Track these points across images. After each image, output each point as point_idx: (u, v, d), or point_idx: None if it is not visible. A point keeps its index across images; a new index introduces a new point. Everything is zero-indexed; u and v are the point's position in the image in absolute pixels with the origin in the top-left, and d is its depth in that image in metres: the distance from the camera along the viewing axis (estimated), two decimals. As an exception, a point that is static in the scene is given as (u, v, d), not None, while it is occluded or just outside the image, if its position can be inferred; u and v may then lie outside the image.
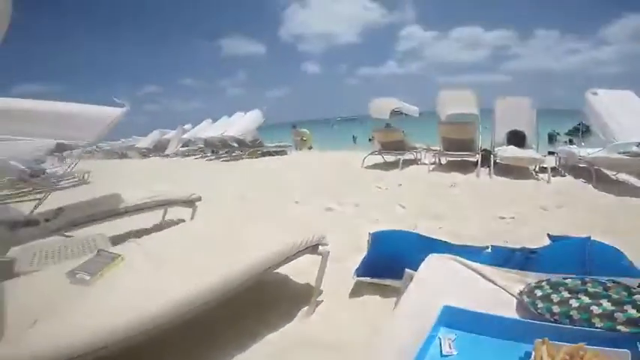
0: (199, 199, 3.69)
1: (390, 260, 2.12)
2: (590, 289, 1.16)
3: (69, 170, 8.64)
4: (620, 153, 4.81)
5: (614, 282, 1.19)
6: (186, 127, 16.27)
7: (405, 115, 8.46)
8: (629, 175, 5.13)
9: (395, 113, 8.63)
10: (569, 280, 1.26)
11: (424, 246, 2.21)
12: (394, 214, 3.84)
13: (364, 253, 2.37)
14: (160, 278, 1.65)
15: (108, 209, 3.23)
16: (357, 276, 2.22)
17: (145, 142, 18.34)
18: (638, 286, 1.17)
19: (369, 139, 13.88)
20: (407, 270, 1.69)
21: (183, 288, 1.53)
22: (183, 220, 3.97)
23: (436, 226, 3.35)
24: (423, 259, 1.62)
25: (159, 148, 17.06)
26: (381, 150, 7.49)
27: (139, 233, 3.50)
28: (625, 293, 1.12)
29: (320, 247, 2.07)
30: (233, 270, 1.69)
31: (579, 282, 1.23)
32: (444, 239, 2.41)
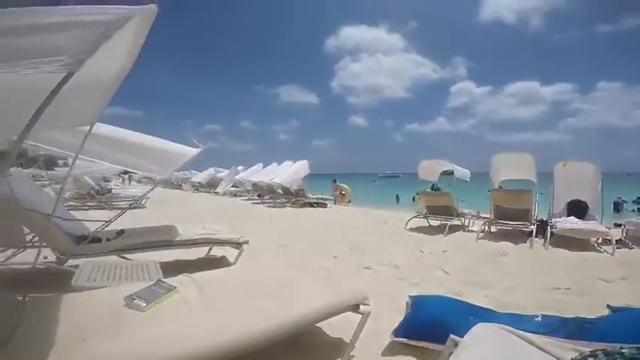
0: (247, 242, 3.81)
1: (431, 324, 2.03)
2: None
3: (143, 197, 9.37)
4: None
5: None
6: (239, 168, 17.25)
7: (455, 177, 8.21)
8: None
9: (444, 174, 8.49)
10: (626, 349, 1.17)
11: (467, 312, 2.11)
12: (436, 279, 3.66)
13: (400, 315, 2.29)
14: (211, 317, 1.69)
15: (165, 239, 3.45)
16: (395, 336, 2.13)
17: (200, 177, 19.68)
18: None
19: (413, 199, 13.67)
20: (452, 335, 1.60)
21: (234, 331, 1.55)
22: (226, 257, 4.13)
23: (482, 294, 3.14)
24: (466, 325, 1.54)
25: (211, 185, 18.16)
26: (427, 213, 7.13)
27: (184, 264, 3.66)
28: None
29: (362, 307, 2.06)
30: (282, 320, 1.70)
31: (636, 351, 1.14)
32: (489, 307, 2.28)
